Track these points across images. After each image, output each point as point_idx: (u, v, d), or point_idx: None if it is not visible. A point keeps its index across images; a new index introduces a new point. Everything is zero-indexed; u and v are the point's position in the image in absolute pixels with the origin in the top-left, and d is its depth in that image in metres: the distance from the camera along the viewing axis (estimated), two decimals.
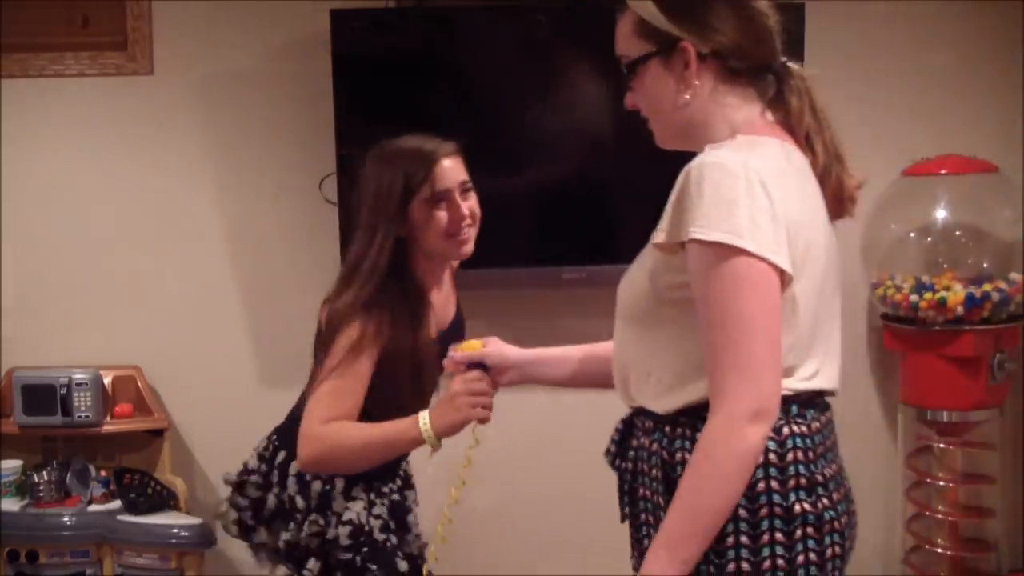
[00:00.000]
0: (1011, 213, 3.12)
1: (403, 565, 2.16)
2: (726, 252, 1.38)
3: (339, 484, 2.15)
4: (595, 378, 1.87)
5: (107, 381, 3.26)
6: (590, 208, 3.22)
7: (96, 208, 3.36)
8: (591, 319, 3.39)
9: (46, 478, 3.20)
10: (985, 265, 3.09)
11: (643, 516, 1.54)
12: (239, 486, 2.29)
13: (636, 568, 1.53)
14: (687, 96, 1.53)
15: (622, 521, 1.63)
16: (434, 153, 2.07)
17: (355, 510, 2.14)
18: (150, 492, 3.18)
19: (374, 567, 2.12)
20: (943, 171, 3.09)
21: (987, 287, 3.01)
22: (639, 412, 1.57)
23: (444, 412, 1.91)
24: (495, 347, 1.94)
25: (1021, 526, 3.36)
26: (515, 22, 3.17)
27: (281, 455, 2.22)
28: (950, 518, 3.16)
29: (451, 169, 2.09)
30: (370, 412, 2.00)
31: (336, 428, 1.96)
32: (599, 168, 3.20)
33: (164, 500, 3.19)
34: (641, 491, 1.54)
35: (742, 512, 1.42)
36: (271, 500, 2.21)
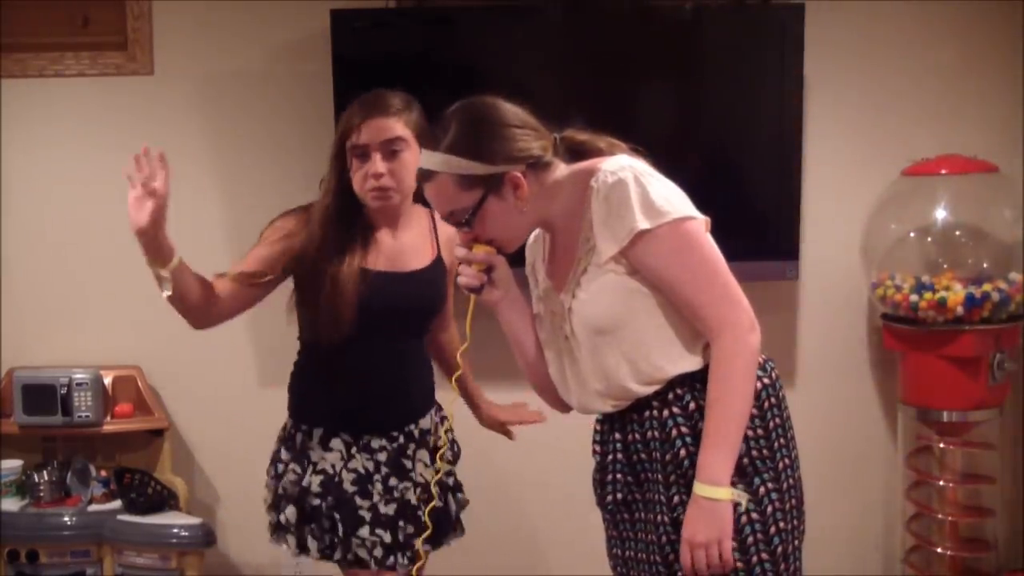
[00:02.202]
0: (1011, 213, 3.12)
1: (366, 517, 2.24)
2: (665, 228, 1.71)
3: (316, 434, 2.28)
4: (535, 376, 2.02)
5: (107, 381, 3.27)
6: None
7: (96, 208, 3.36)
8: None
9: (46, 478, 3.20)
10: (985, 265, 3.09)
11: (672, 477, 1.78)
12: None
13: (670, 524, 1.77)
14: (525, 209, 1.79)
15: (606, 505, 1.89)
16: (374, 108, 2.19)
17: (330, 460, 2.26)
18: (150, 492, 3.18)
19: (338, 516, 2.23)
20: (943, 171, 3.09)
21: (987, 287, 3.01)
22: (655, 392, 1.79)
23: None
24: (507, 275, 1.98)
25: (1021, 526, 3.36)
26: (515, 22, 3.17)
27: (288, 423, 2.37)
28: (950, 518, 3.16)
29: (382, 127, 2.18)
30: (300, 330, 2.30)
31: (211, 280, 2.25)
32: None
33: (164, 500, 3.19)
34: (683, 451, 1.77)
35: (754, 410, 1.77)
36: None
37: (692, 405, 1.77)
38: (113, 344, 3.37)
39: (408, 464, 2.31)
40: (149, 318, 3.38)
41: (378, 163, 2.17)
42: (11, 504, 3.18)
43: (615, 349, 1.79)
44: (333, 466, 2.25)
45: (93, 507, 3.19)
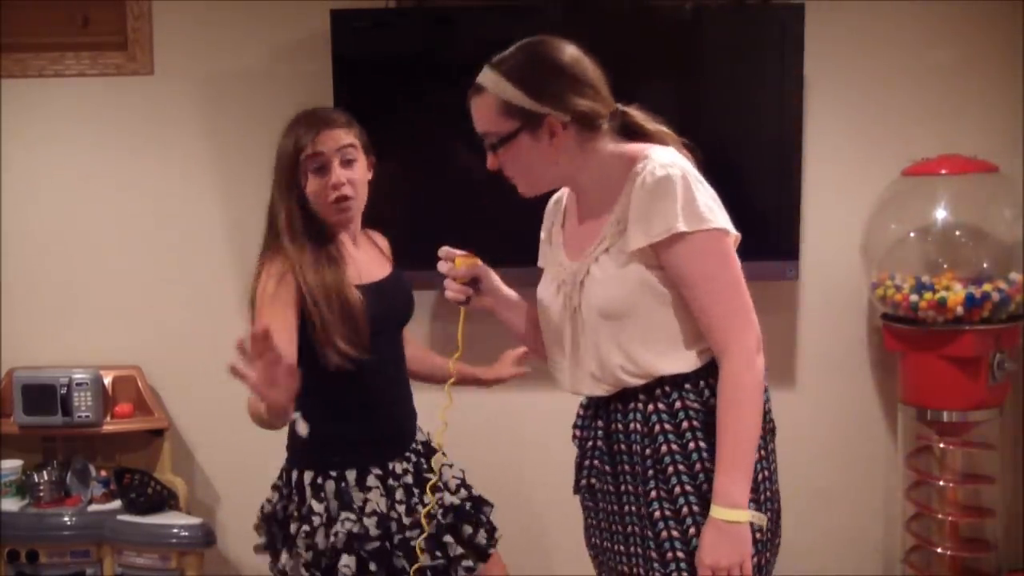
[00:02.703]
0: (1011, 213, 3.12)
1: (422, 544, 2.20)
2: (701, 235, 1.73)
3: (351, 477, 2.20)
4: (528, 341, 2.09)
5: (107, 381, 3.27)
6: None
7: (96, 208, 3.36)
8: None
9: (46, 478, 3.20)
10: (985, 265, 3.09)
11: (670, 468, 1.79)
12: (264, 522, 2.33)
13: (667, 514, 1.79)
14: (557, 160, 1.81)
15: (580, 489, 1.94)
16: (321, 121, 2.20)
17: (375, 500, 2.19)
18: (150, 492, 3.18)
19: (400, 553, 2.18)
20: (943, 171, 3.09)
21: (987, 287, 3.00)
22: (643, 386, 1.82)
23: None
24: (493, 282, 2.05)
25: (1021, 526, 3.36)
26: (515, 22, 3.16)
27: (295, 474, 2.25)
28: (950, 518, 3.16)
29: (335, 136, 2.19)
30: (315, 359, 2.09)
31: None
32: None
33: (164, 500, 3.19)
34: (665, 447, 1.79)
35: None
36: (292, 524, 2.23)
37: (678, 404, 1.80)
38: (113, 344, 3.37)
39: (431, 477, 2.28)
40: (149, 318, 3.40)
41: (338, 172, 2.18)
42: (11, 504, 3.19)
43: (615, 336, 1.81)
44: (377, 504, 2.19)
45: (93, 507, 3.19)
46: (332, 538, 2.16)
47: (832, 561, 3.36)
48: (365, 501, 2.19)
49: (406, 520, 2.21)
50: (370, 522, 2.17)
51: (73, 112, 3.35)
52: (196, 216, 3.37)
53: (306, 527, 2.19)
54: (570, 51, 1.81)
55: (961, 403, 3.08)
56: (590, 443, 1.91)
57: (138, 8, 3.30)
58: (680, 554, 1.78)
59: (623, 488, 1.86)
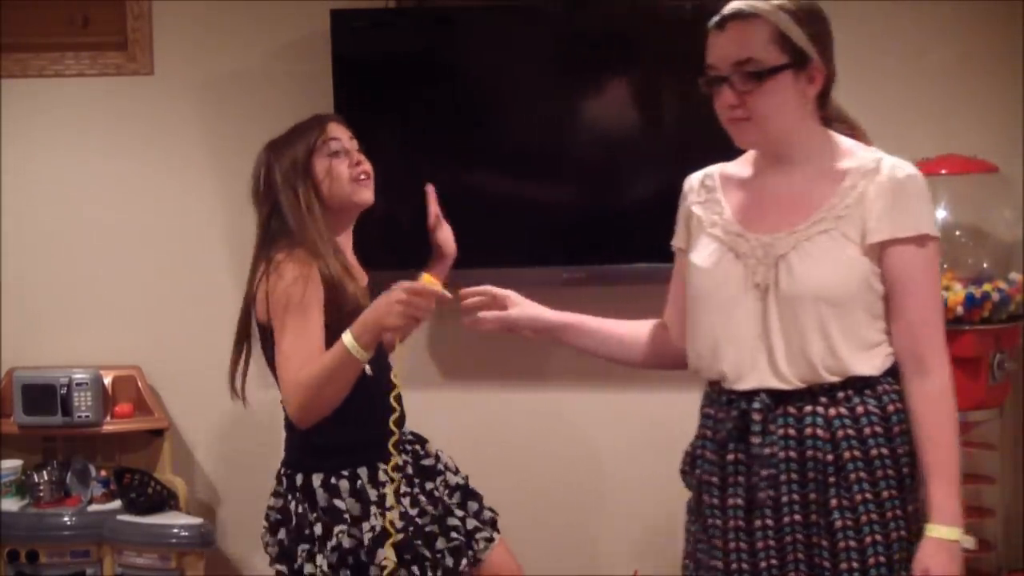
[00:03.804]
0: (1011, 213, 3.12)
1: (436, 529, 2.25)
2: (933, 244, 1.72)
3: (364, 474, 2.19)
4: (630, 355, 2.02)
5: (107, 381, 3.26)
6: (590, 208, 3.22)
7: (96, 208, 3.36)
8: None
9: (46, 478, 3.20)
10: (985, 265, 3.08)
11: (852, 476, 1.71)
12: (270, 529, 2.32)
13: (848, 524, 1.70)
14: (802, 111, 1.75)
15: (734, 506, 1.75)
16: (321, 118, 2.29)
17: (389, 493, 2.17)
18: (150, 492, 3.18)
19: (419, 542, 2.20)
20: (943, 171, 3.08)
21: (987, 287, 3.00)
22: (830, 385, 1.72)
23: (367, 315, 1.97)
24: (526, 309, 2.00)
25: (1021, 526, 3.36)
26: (515, 22, 3.17)
27: (299, 478, 2.23)
28: None
29: (340, 128, 2.28)
30: None
31: (305, 371, 2.02)
32: (599, 168, 3.20)
33: (164, 500, 3.19)
34: (848, 454, 1.71)
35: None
36: (308, 527, 2.21)
37: (860, 408, 1.72)
38: (113, 344, 3.37)
39: (428, 463, 2.31)
40: (149, 318, 3.40)
41: (357, 154, 2.26)
42: (11, 504, 3.19)
43: (822, 324, 1.70)
44: (392, 498, 2.20)
45: (93, 507, 3.19)
46: (365, 535, 2.15)
47: None
48: (381, 496, 2.19)
49: (412, 510, 2.22)
50: (392, 515, 2.16)
51: (73, 112, 3.35)
52: (196, 216, 3.37)
53: (339, 526, 2.16)
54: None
55: (961, 403, 2.99)
56: (782, 454, 1.72)
57: (138, 8, 3.31)
58: (855, 564, 1.71)
59: (786, 498, 1.72)
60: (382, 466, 2.20)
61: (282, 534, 2.25)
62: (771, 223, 1.77)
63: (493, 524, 2.41)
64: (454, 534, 2.29)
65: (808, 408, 1.72)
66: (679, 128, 3.23)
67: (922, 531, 1.69)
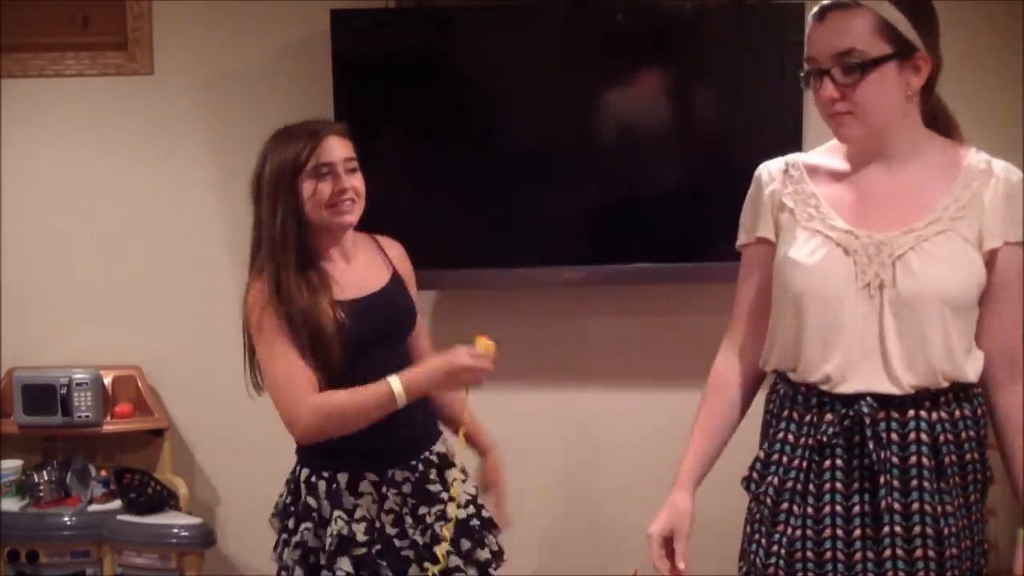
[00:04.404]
0: None
1: (411, 555, 2.20)
2: None
3: (342, 480, 2.19)
4: (738, 417, 1.91)
5: (107, 381, 3.27)
6: (590, 208, 3.22)
7: (96, 208, 3.36)
8: (591, 319, 3.40)
9: (46, 478, 3.20)
10: None
11: (952, 480, 1.71)
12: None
13: (932, 537, 1.68)
14: (906, 103, 1.68)
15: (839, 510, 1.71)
16: (321, 130, 2.20)
17: (365, 505, 2.19)
18: (150, 492, 3.19)
19: (385, 563, 2.17)
20: None
21: None
22: (932, 391, 1.69)
23: (422, 377, 2.05)
24: (683, 522, 1.85)
25: (1021, 526, 3.35)
26: (515, 22, 3.17)
27: (298, 469, 2.28)
28: None
29: (336, 146, 2.19)
30: None
31: (325, 396, 2.07)
32: (599, 168, 3.20)
33: (164, 500, 3.19)
34: (947, 459, 1.70)
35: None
36: (288, 517, 2.26)
37: (957, 413, 1.71)
38: (113, 344, 3.37)
39: (434, 488, 2.26)
40: (149, 318, 3.40)
41: (345, 177, 2.18)
42: (11, 504, 3.19)
43: (944, 327, 1.66)
44: (368, 511, 2.19)
45: (93, 507, 3.19)
46: (327, 539, 2.17)
47: None
48: (355, 506, 2.19)
49: (391, 530, 2.19)
50: (359, 527, 2.17)
51: (73, 112, 3.35)
52: (196, 216, 3.37)
53: (305, 524, 2.20)
54: None
55: None
56: (913, 459, 1.69)
57: (138, 8, 3.30)
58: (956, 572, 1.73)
59: (883, 504, 1.68)
60: (369, 476, 2.20)
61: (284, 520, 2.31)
62: (881, 221, 1.69)
63: (481, 569, 2.31)
64: (427, 563, 2.21)
65: (911, 412, 1.68)
66: (680, 128, 3.24)
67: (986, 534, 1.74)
